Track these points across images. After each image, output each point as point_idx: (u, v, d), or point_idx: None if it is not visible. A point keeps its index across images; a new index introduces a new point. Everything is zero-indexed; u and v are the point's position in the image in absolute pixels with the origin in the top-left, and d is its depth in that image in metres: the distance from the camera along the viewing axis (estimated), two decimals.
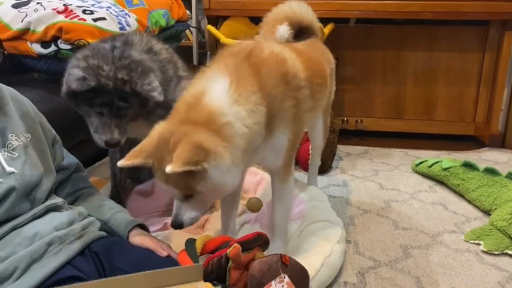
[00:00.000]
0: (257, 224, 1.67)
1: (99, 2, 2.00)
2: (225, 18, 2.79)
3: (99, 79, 1.32)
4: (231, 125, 1.10)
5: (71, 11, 1.84)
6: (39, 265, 1.01)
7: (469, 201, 2.08)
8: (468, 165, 2.15)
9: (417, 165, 2.45)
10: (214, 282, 1.03)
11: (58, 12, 1.83)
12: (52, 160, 1.22)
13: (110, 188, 1.81)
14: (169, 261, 1.10)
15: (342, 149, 2.78)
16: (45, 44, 1.81)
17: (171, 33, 2.44)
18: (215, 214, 1.71)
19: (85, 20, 1.83)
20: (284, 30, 1.58)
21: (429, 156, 2.63)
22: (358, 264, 1.59)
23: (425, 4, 2.62)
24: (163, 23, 2.30)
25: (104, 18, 1.88)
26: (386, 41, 2.94)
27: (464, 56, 2.89)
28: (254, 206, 1.77)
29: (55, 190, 1.23)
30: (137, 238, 1.19)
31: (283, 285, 0.98)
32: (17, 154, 1.09)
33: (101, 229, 1.20)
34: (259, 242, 1.14)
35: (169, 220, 1.18)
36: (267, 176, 1.93)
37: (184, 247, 1.14)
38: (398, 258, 1.63)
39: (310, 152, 2.12)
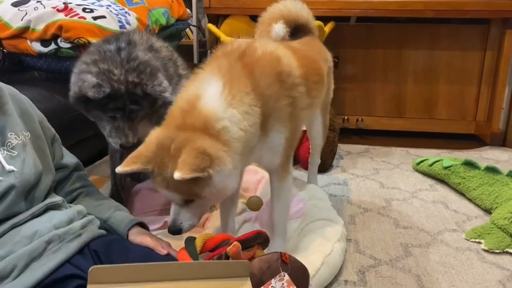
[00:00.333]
0: (257, 223, 1.67)
1: (99, 1, 2.00)
2: (226, 16, 2.79)
3: (112, 84, 1.31)
4: (227, 129, 1.10)
5: (71, 9, 1.84)
6: (38, 263, 1.00)
7: (469, 200, 2.08)
8: (469, 164, 2.14)
9: (418, 163, 2.45)
10: None
11: (58, 10, 1.83)
12: (51, 159, 1.22)
13: (109, 187, 1.81)
14: (169, 260, 1.10)
15: (342, 147, 2.78)
16: (45, 42, 1.82)
17: (171, 32, 2.44)
18: (215, 213, 1.70)
19: (85, 18, 1.83)
20: (279, 29, 1.57)
21: (430, 154, 2.63)
22: (358, 262, 1.58)
23: (427, 2, 2.62)
24: (163, 21, 2.30)
25: (103, 17, 1.88)
26: (387, 40, 2.94)
27: (465, 55, 2.89)
28: (254, 204, 1.77)
29: (54, 189, 1.23)
30: (137, 236, 1.19)
31: (283, 284, 0.98)
32: (16, 153, 1.09)
33: (100, 227, 1.20)
34: (259, 240, 1.14)
35: (169, 219, 1.18)
36: (267, 175, 1.92)
37: (184, 245, 1.13)
38: (398, 256, 1.63)
39: (310, 151, 2.12)
